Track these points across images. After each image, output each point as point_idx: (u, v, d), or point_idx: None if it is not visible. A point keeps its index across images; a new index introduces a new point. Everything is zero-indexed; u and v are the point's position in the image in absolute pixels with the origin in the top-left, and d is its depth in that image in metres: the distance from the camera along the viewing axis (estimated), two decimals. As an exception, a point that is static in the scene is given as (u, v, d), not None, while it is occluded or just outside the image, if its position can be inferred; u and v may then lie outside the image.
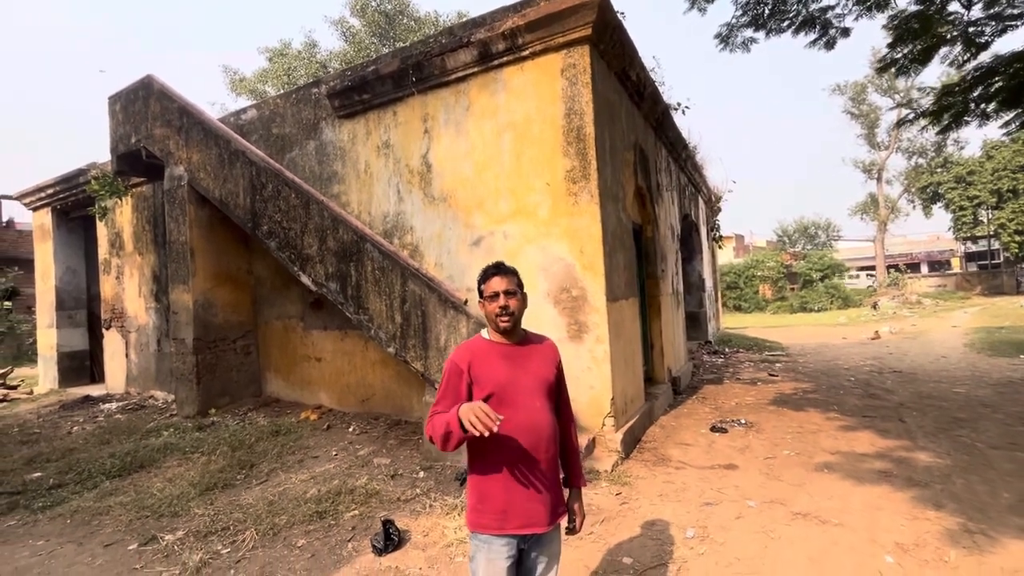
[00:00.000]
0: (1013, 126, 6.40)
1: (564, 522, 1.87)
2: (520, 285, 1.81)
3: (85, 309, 10.53)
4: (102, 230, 9.15)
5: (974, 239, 33.40)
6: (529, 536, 1.71)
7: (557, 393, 1.88)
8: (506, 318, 1.75)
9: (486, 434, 1.47)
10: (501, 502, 1.67)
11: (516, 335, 1.83)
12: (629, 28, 5.19)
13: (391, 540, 3.13)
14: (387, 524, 3.19)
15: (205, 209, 6.55)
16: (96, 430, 6.25)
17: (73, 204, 9.72)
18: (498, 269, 1.80)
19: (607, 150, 4.90)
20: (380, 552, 3.07)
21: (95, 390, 9.14)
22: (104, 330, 9.24)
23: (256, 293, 7.08)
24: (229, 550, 3.20)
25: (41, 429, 6.56)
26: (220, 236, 6.71)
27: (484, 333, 1.85)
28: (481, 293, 1.80)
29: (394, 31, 19.82)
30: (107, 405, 7.72)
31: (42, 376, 10.52)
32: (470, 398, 1.71)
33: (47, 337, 10.33)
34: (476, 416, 1.48)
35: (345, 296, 5.20)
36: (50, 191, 9.76)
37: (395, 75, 5.45)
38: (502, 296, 1.74)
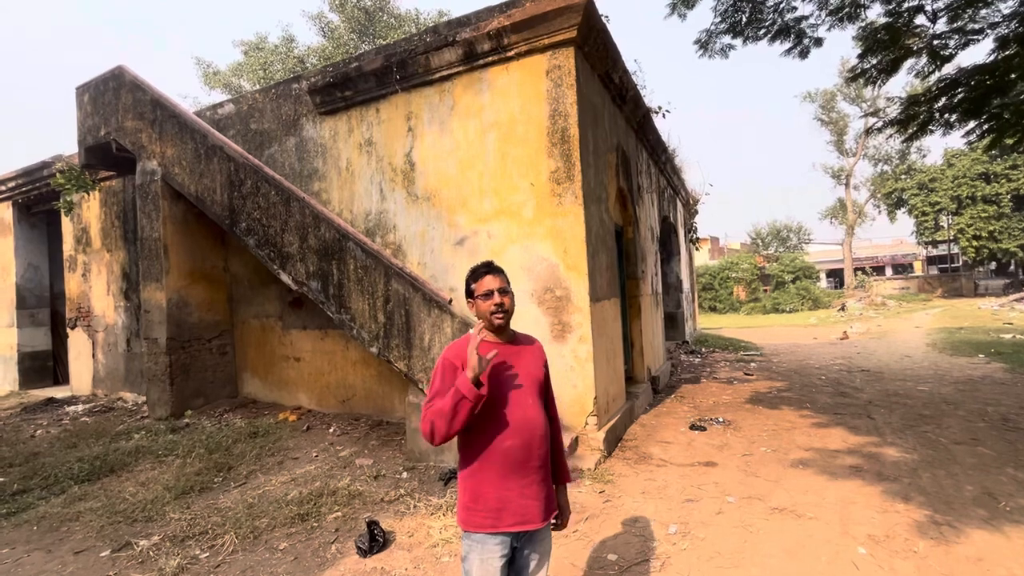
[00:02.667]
0: (975, 135, 6.71)
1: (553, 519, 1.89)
2: (508, 284, 1.84)
3: (48, 308, 10.11)
4: (67, 225, 8.81)
5: (935, 243, 34.79)
6: (522, 534, 1.72)
7: (545, 391, 1.90)
8: (501, 315, 1.77)
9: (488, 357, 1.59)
10: (495, 500, 1.68)
11: (507, 334, 1.84)
12: (612, 31, 5.26)
13: (376, 541, 3.10)
14: (372, 525, 3.16)
15: (179, 205, 6.37)
16: (62, 433, 6.01)
17: (36, 198, 9.33)
18: (489, 268, 1.82)
19: (591, 152, 4.95)
20: (365, 553, 3.04)
21: (59, 392, 8.79)
22: (69, 329, 8.88)
23: (232, 291, 6.91)
24: (208, 555, 3.12)
25: (2, 433, 6.27)
26: (195, 232, 6.53)
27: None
28: (472, 292, 1.80)
29: (374, 27, 19.61)
30: (73, 407, 7.42)
31: (1, 378, 10.06)
32: None
33: (7, 337, 9.87)
34: (472, 353, 1.59)
35: (327, 295, 5.12)
36: (11, 184, 9.34)
37: (379, 72, 5.40)
38: (496, 294, 1.76)
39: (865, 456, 4.48)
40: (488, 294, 1.77)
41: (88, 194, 8.02)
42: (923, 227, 32.30)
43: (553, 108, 4.70)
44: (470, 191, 5.09)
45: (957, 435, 4.94)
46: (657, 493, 3.84)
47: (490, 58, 4.91)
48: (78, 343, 8.71)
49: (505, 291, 1.79)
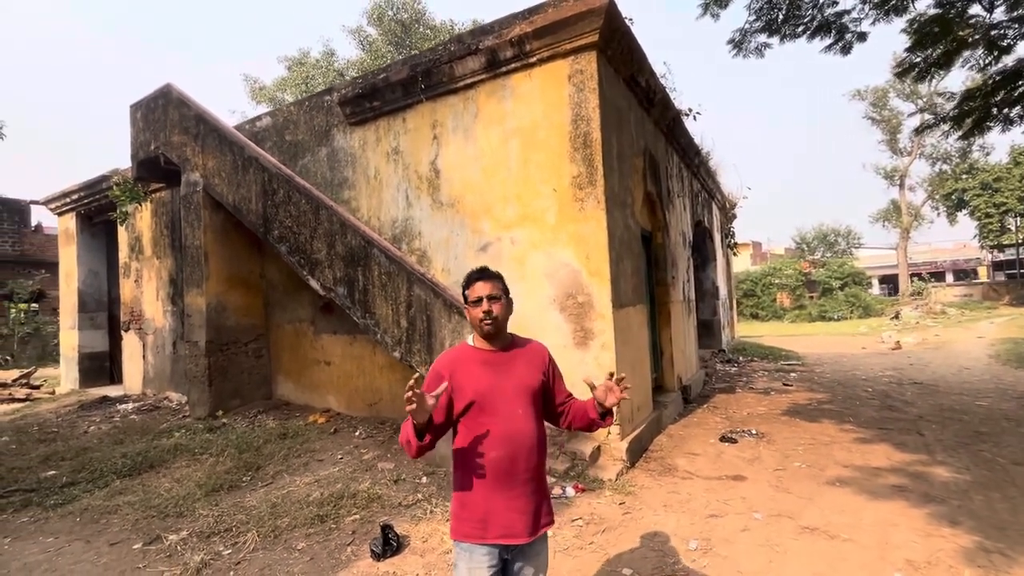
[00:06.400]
0: (1038, 131, 6.23)
1: (550, 532, 1.84)
2: (505, 290, 1.79)
3: (106, 311, 10.78)
4: (123, 235, 9.38)
5: (1001, 248, 32.40)
6: (512, 546, 1.68)
7: (552, 391, 1.86)
8: (489, 323, 1.73)
9: (415, 407, 1.51)
10: (481, 511, 1.65)
11: (501, 340, 1.80)
12: (640, 33, 5.18)
13: (389, 545, 3.12)
14: (386, 529, 3.18)
15: (219, 214, 6.67)
16: (111, 430, 6.38)
17: (96, 209, 9.99)
18: (482, 274, 1.79)
19: (614, 156, 4.88)
20: (378, 557, 3.06)
21: (113, 391, 9.33)
22: (123, 332, 9.45)
23: (268, 297, 7.17)
24: (230, 551, 3.23)
25: (59, 428, 6.72)
26: (234, 240, 6.83)
27: (470, 339, 1.83)
28: (466, 298, 1.78)
29: (410, 39, 20.08)
30: (123, 406, 7.87)
31: (64, 376, 10.79)
32: (450, 407, 1.69)
33: (69, 338, 10.60)
34: (407, 400, 1.51)
35: (352, 300, 5.24)
36: (74, 197, 10.05)
37: (405, 82, 5.51)
38: (485, 301, 1.72)
39: (911, 475, 4.18)
40: (477, 301, 1.73)
41: (140, 205, 8.53)
42: (987, 230, 30.14)
43: (575, 113, 4.66)
44: (493, 198, 5.10)
45: (1018, 455, 4.55)
46: (680, 507, 3.71)
47: (513, 65, 4.93)
48: (130, 345, 9.25)
49: (495, 298, 1.74)
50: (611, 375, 1.77)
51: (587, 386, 1.79)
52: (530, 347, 1.86)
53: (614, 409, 1.81)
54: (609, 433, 4.48)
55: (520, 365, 1.78)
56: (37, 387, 10.47)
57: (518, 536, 1.66)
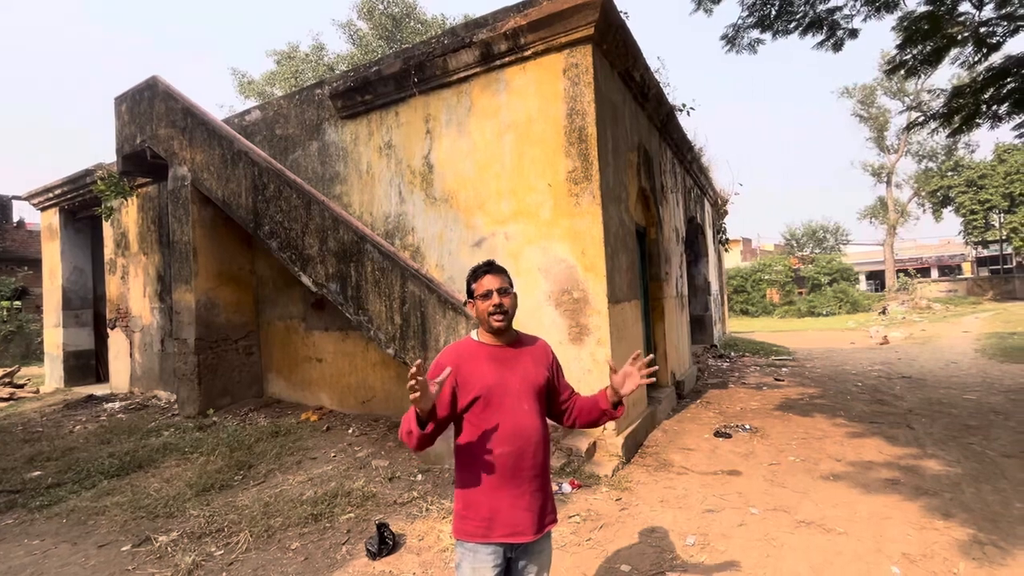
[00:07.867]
0: (1027, 128, 6.29)
1: (554, 529, 1.81)
2: (511, 284, 1.76)
3: (91, 309, 10.59)
4: (108, 230, 9.21)
5: (985, 244, 32.95)
6: (517, 545, 1.66)
7: (556, 388, 1.84)
8: (500, 316, 1.70)
9: (418, 395, 1.44)
10: (487, 509, 1.62)
11: (508, 336, 1.78)
12: (634, 28, 5.15)
13: (385, 544, 3.08)
14: (381, 527, 3.14)
15: (208, 209, 6.56)
16: (98, 429, 6.25)
17: (80, 204, 9.79)
18: (490, 267, 1.76)
19: (609, 151, 4.85)
20: (374, 556, 3.02)
21: (99, 389, 9.18)
22: (109, 330, 9.28)
23: (258, 293, 7.07)
24: (222, 552, 3.17)
25: (44, 428, 6.58)
26: (223, 236, 6.71)
27: (474, 334, 1.80)
28: (471, 293, 1.75)
29: (401, 34, 19.90)
30: (110, 404, 7.74)
31: (48, 375, 10.59)
32: (453, 403, 1.66)
33: (53, 336, 10.40)
34: (410, 388, 1.44)
35: (345, 297, 5.17)
36: (58, 191, 9.83)
37: (397, 76, 5.44)
38: (495, 294, 1.69)
39: (903, 468, 4.22)
40: (487, 294, 1.69)
41: (126, 200, 8.36)
42: (972, 226, 30.66)
43: (570, 107, 4.63)
44: (487, 192, 5.06)
45: (1006, 447, 4.61)
46: (676, 502, 3.70)
47: (507, 58, 4.88)
48: (117, 343, 9.09)
49: (505, 291, 1.71)
50: (635, 357, 1.71)
51: (608, 369, 1.77)
52: (537, 344, 1.84)
53: (625, 400, 1.77)
54: (605, 429, 4.47)
55: (527, 361, 1.75)
56: (21, 386, 10.24)
57: (524, 534, 1.63)
